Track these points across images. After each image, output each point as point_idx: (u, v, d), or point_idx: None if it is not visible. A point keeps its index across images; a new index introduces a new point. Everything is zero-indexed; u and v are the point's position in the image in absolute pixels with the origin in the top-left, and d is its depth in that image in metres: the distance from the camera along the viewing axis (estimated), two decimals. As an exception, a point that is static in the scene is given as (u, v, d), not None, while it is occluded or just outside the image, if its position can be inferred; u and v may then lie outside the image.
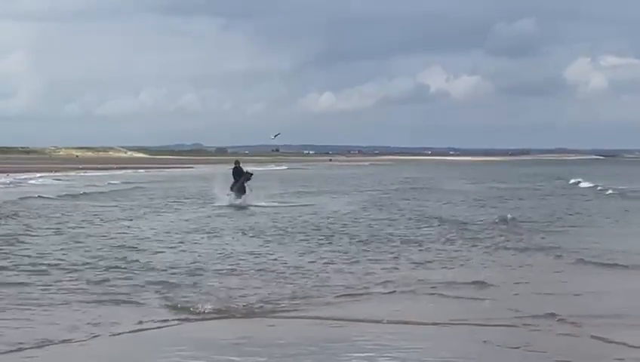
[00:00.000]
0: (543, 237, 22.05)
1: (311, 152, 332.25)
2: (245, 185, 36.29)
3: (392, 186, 58.31)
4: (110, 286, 13.99)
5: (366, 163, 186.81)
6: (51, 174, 76.92)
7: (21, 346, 9.88)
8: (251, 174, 36.92)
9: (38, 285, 14.07)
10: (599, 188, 51.92)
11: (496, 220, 27.12)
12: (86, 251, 18.69)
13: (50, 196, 39.74)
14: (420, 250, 19.22)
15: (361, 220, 27.75)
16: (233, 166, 37.95)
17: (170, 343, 10.16)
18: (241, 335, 10.48)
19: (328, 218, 28.63)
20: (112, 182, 61.21)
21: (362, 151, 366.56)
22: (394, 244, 20.45)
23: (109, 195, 42.83)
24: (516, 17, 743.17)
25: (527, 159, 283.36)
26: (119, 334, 10.62)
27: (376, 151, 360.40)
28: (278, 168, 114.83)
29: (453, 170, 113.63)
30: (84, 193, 44.16)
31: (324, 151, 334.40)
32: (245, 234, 23.17)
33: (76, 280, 14.61)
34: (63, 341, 10.21)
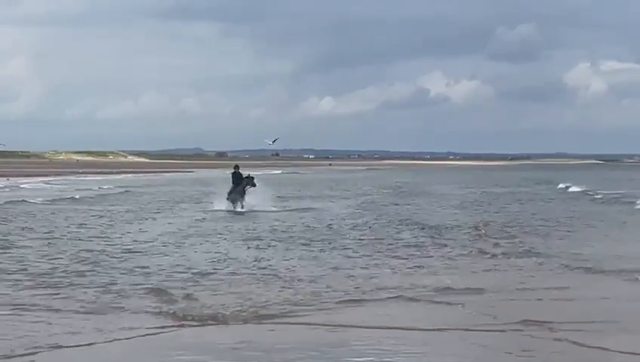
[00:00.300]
0: (540, 242, 22.07)
1: (311, 156, 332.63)
2: (244, 189, 36.19)
3: (390, 191, 58.35)
4: (109, 291, 13.98)
5: (365, 167, 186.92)
6: (50, 178, 77.05)
7: (24, 352, 9.88)
8: (253, 178, 36.64)
9: (29, 290, 14.08)
10: (589, 192, 52.03)
11: (483, 224, 27.24)
12: (78, 256, 18.66)
13: (36, 201, 39.98)
14: (417, 255, 19.21)
15: (359, 225, 27.76)
16: (232, 170, 37.93)
17: (170, 348, 10.16)
18: (240, 340, 10.49)
19: (326, 222, 28.64)
20: (105, 186, 61.22)
21: (362, 156, 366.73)
22: (392, 249, 20.46)
23: (97, 200, 42.86)
24: (516, 22, 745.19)
25: (526, 164, 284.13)
26: (119, 340, 10.63)
27: (376, 156, 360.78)
28: (275, 172, 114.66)
29: (450, 175, 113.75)
30: (72, 198, 44.17)
31: (324, 155, 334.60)
32: (244, 238, 23.16)
33: (73, 284, 14.63)
34: (62, 347, 10.21)
